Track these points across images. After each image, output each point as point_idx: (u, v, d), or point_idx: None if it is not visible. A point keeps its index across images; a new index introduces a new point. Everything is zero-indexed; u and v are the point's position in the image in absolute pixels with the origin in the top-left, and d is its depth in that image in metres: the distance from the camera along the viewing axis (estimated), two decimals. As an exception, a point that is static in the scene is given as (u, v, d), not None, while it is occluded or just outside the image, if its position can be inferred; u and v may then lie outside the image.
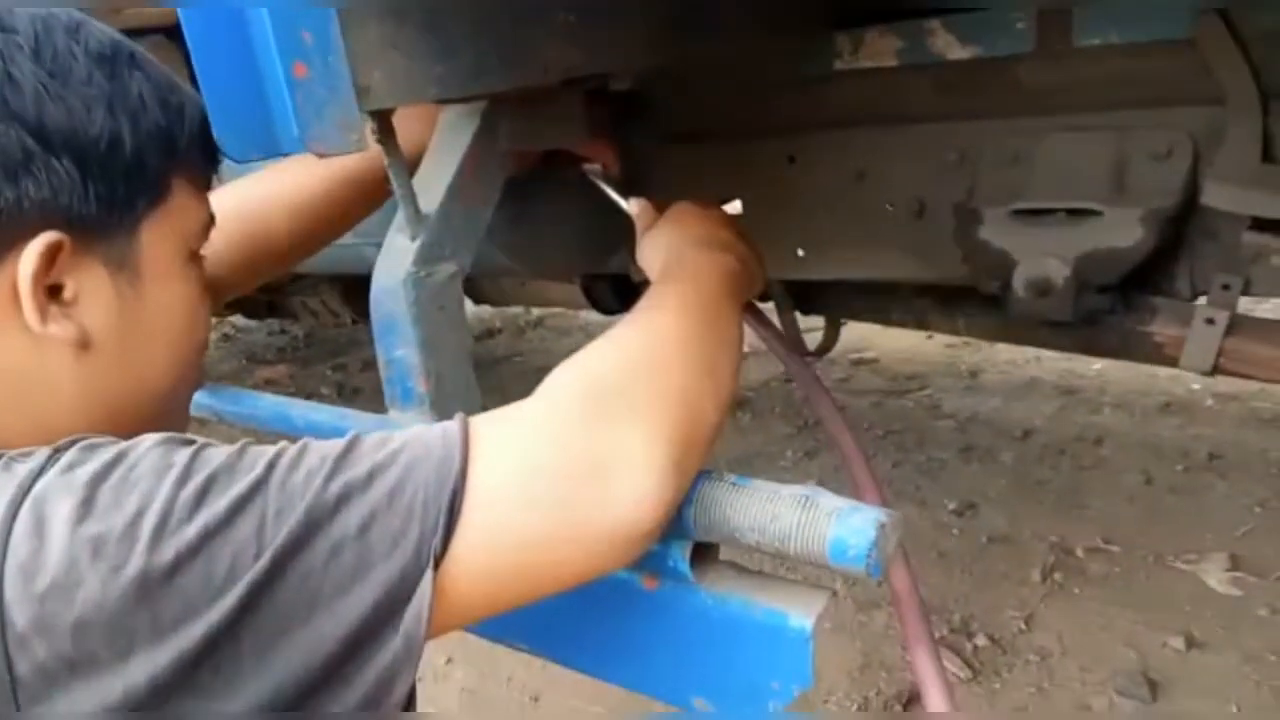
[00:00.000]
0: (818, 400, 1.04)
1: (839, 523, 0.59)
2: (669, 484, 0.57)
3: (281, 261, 0.99)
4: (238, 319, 3.94)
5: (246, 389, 0.98)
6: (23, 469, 0.51)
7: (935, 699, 0.75)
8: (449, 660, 2.02)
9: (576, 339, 3.84)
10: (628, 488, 0.56)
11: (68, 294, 0.59)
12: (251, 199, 0.95)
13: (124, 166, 0.60)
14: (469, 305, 3.55)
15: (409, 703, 0.54)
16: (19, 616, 0.46)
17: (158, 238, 0.64)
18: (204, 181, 0.69)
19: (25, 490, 0.49)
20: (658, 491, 0.56)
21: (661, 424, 0.58)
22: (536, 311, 4.15)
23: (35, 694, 0.45)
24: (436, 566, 0.52)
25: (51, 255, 0.57)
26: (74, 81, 0.59)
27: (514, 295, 2.63)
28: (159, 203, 0.64)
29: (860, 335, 3.37)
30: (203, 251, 0.71)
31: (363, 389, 3.56)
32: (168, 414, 0.68)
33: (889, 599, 2.01)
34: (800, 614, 0.65)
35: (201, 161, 0.68)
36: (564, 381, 0.61)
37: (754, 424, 2.96)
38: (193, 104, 0.66)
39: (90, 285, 0.60)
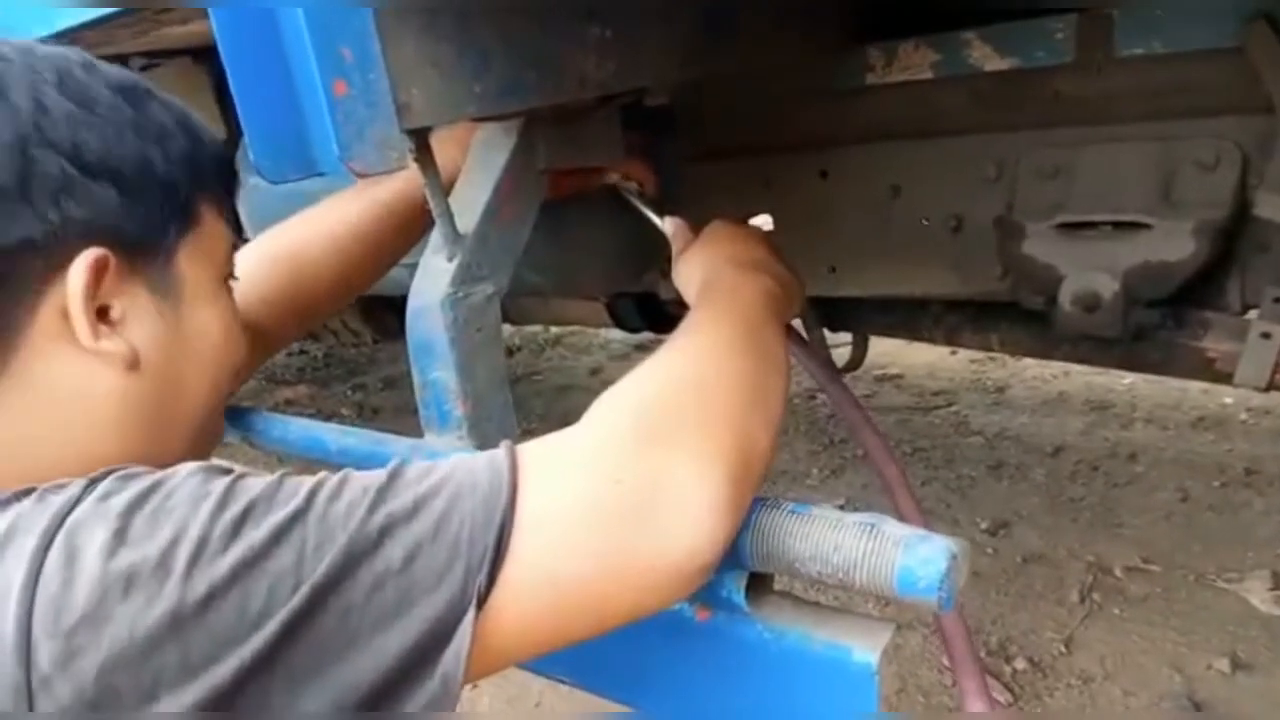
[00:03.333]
0: (857, 424, 1.01)
1: (907, 552, 0.56)
2: (724, 518, 0.55)
3: (329, 304, 1.00)
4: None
5: (277, 414, 0.96)
6: (58, 500, 0.49)
7: None
8: (475, 685, 1.99)
9: (596, 357, 3.82)
10: (682, 523, 0.53)
11: (115, 314, 0.61)
12: (295, 242, 0.96)
13: (157, 189, 0.63)
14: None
15: None
16: (44, 656, 0.44)
17: (192, 262, 0.66)
18: (227, 209, 0.71)
19: (60, 520, 0.48)
20: (712, 526, 0.54)
21: (714, 454, 0.56)
22: (554, 330, 4.13)
23: None
24: (481, 604, 0.49)
25: (99, 271, 0.59)
26: (101, 109, 0.61)
27: (535, 313, 2.61)
28: (191, 227, 0.66)
29: (883, 351, 3.33)
30: (233, 284, 0.72)
31: (382, 409, 3.54)
32: (202, 436, 0.69)
33: (923, 621, 1.97)
34: (864, 648, 0.62)
35: (223, 188, 0.70)
36: (613, 410, 0.59)
37: (778, 442, 2.93)
38: (209, 134, 0.69)
39: (135, 307, 0.62)
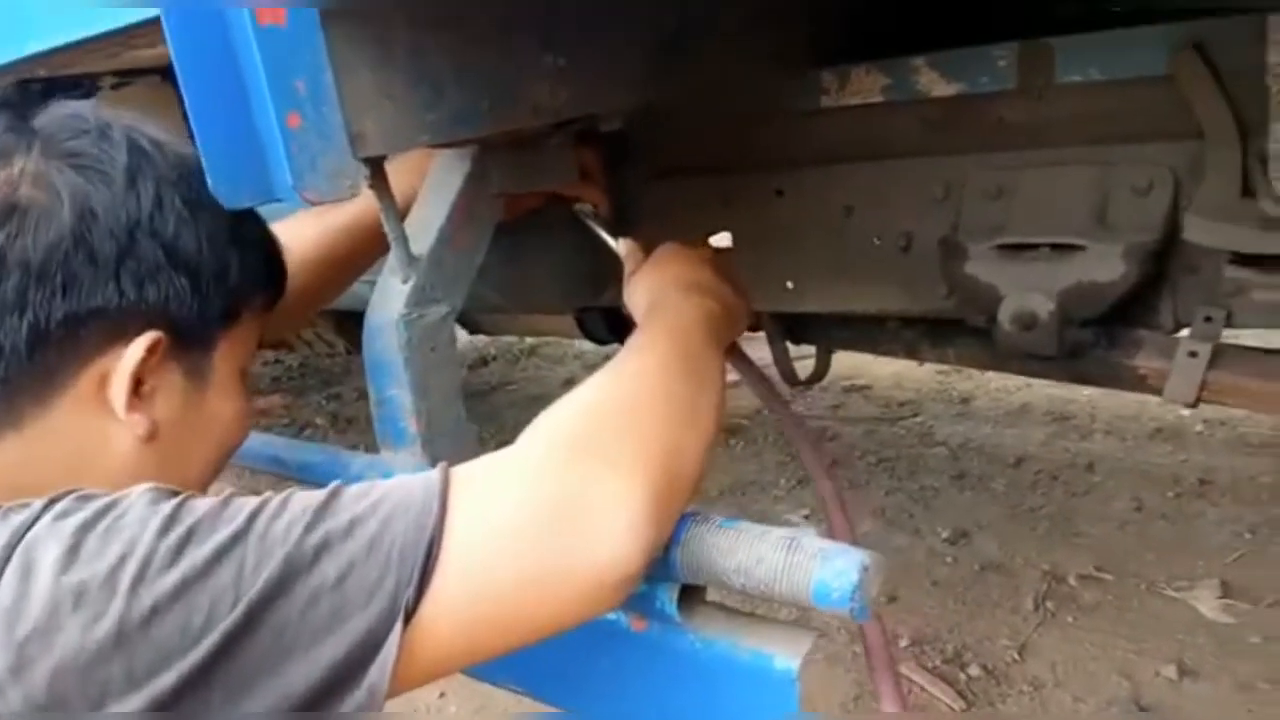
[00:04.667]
0: (798, 439, 1.05)
1: (823, 565, 0.60)
2: (645, 533, 0.58)
3: (292, 320, 1.04)
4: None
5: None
6: (18, 518, 0.52)
7: None
8: (442, 695, 2.01)
9: (570, 367, 3.85)
10: (603, 539, 0.56)
11: (146, 389, 0.66)
12: None
13: (225, 292, 0.70)
14: (463, 335, 3.58)
15: None
16: None
17: (226, 354, 0.72)
18: (266, 310, 0.78)
19: (19, 537, 0.50)
20: (633, 542, 0.57)
21: (640, 472, 0.59)
22: (530, 340, 4.16)
23: None
24: (409, 618, 0.52)
25: (152, 351, 0.65)
26: (205, 214, 0.69)
27: (508, 325, 2.64)
28: (233, 324, 0.73)
29: (852, 363, 3.38)
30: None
31: (357, 419, 3.55)
32: None
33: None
34: (786, 655, 0.65)
35: (267, 294, 0.78)
36: (545, 430, 0.62)
37: (747, 452, 2.97)
38: (280, 245, 0.79)
39: (166, 386, 0.68)
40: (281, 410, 3.77)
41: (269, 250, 0.77)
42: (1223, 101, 0.98)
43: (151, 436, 0.66)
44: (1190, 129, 1.01)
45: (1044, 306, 1.08)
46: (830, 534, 0.93)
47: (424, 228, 0.83)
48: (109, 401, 0.64)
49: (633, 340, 0.74)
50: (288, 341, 3.03)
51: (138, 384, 0.65)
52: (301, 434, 3.51)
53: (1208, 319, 1.08)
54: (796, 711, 0.64)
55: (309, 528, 0.52)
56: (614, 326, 1.81)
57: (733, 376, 1.11)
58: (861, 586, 0.59)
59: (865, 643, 0.79)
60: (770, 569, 0.61)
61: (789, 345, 1.70)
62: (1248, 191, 0.98)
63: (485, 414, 3.45)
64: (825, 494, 0.97)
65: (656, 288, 0.85)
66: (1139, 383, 1.14)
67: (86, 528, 0.51)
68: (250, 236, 0.74)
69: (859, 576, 0.59)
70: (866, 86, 1.19)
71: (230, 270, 0.70)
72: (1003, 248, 1.12)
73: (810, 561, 0.60)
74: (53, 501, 0.53)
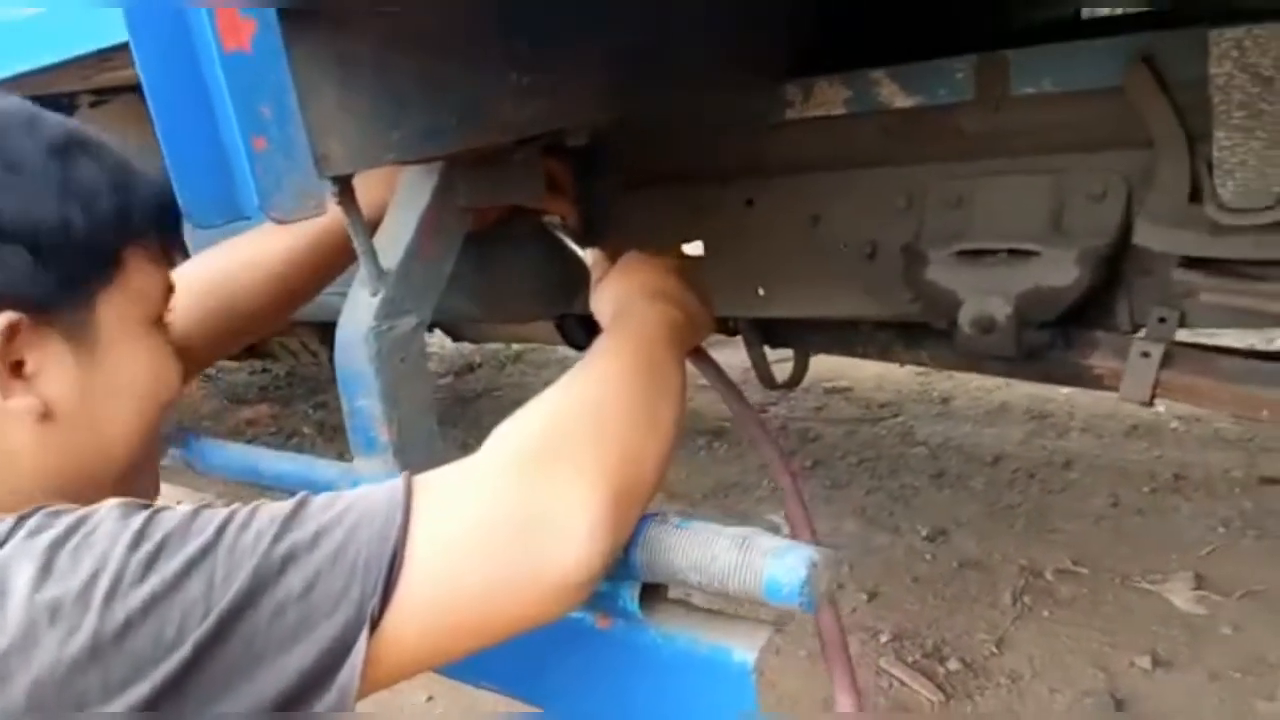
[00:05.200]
0: (758, 437, 1.07)
1: (773, 561, 0.62)
2: (604, 538, 0.60)
3: (256, 327, 1.03)
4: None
5: (216, 440, 1.00)
6: None
7: None
8: (430, 698, 2.03)
9: (554, 372, 3.86)
10: (562, 543, 0.58)
11: (29, 368, 0.62)
12: (222, 268, 0.99)
13: (76, 249, 0.64)
14: (449, 342, 3.59)
15: None
16: None
17: (115, 309, 0.67)
18: (162, 252, 0.72)
19: None
20: (592, 546, 0.59)
21: (600, 478, 0.61)
22: (516, 347, 4.18)
23: None
24: (375, 625, 0.54)
25: (9, 335, 0.60)
26: (27, 171, 0.62)
27: (492, 333, 2.66)
28: (114, 277, 0.67)
29: (833, 365, 3.41)
30: (168, 317, 0.74)
31: (343, 427, 3.55)
32: (135, 473, 0.71)
33: (861, 626, 2.04)
34: (743, 649, 0.68)
35: (159, 235, 0.71)
36: (506, 438, 0.64)
37: (730, 454, 3.00)
38: (149, 184, 0.69)
39: (51, 359, 0.63)
40: (269, 419, 3.78)
41: (128, 188, 0.68)
42: (1171, 112, 1.01)
43: (46, 416, 0.63)
44: (1141, 138, 1.04)
45: (1001, 310, 1.11)
46: (790, 531, 0.96)
47: (392, 241, 0.85)
48: None
49: (596, 347, 0.76)
50: (273, 352, 3.04)
51: (18, 365, 0.62)
52: (289, 442, 3.52)
53: (1161, 320, 1.12)
54: (754, 701, 0.67)
55: (276, 539, 0.54)
56: (593, 332, 1.83)
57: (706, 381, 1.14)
58: (811, 581, 0.61)
59: (821, 636, 0.82)
60: (724, 566, 0.64)
61: (767, 350, 1.74)
62: (1196, 198, 1.01)
63: (471, 420, 3.47)
64: (786, 489, 1.00)
65: (621, 295, 0.87)
66: (1097, 382, 1.18)
67: (58, 545, 0.53)
68: (94, 184, 0.65)
69: (807, 571, 0.61)
70: (830, 99, 1.22)
71: (73, 227, 0.63)
72: (962, 254, 1.15)
73: (761, 558, 0.63)
74: (23, 519, 0.54)
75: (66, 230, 0.63)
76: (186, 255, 0.75)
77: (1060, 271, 1.08)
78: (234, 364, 4.19)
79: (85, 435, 0.66)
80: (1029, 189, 1.13)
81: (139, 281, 0.69)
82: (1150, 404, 1.11)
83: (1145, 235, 1.05)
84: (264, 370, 4.38)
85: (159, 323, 0.72)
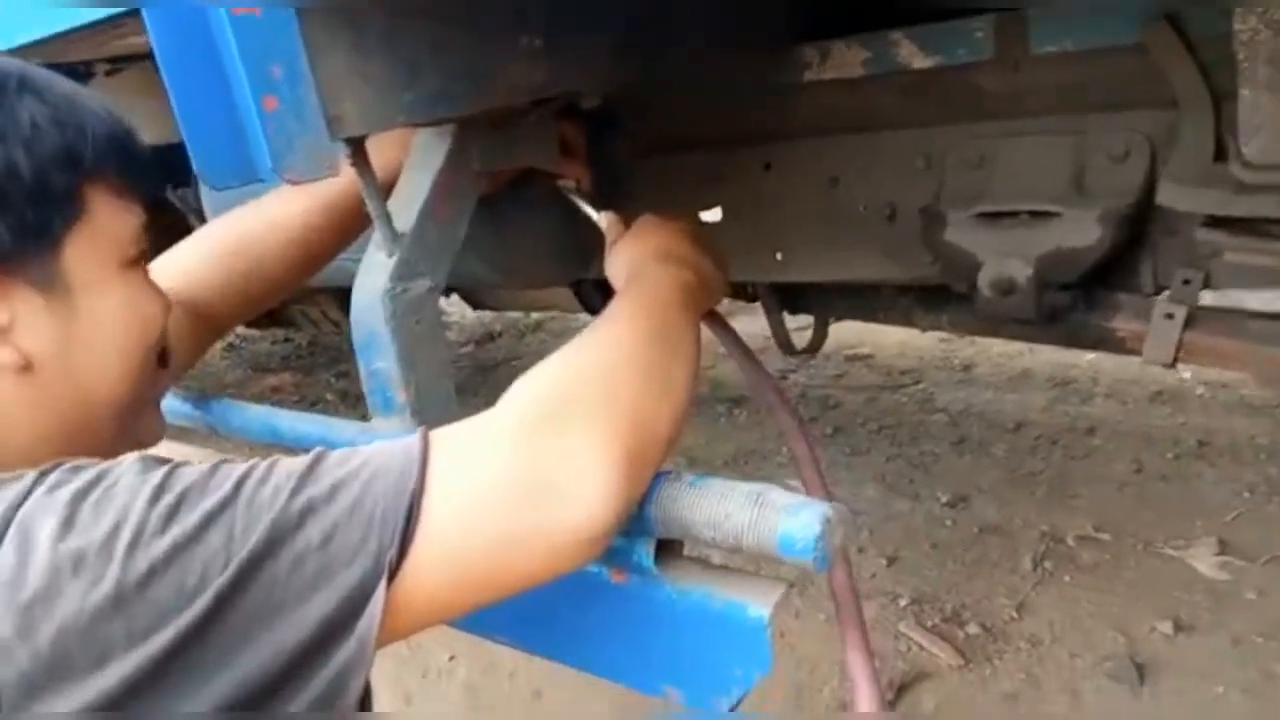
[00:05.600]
0: (773, 401, 1.08)
1: (788, 517, 0.63)
2: (617, 494, 0.60)
3: (275, 290, 1.03)
4: (241, 329, 3.99)
5: (236, 401, 1.02)
6: (10, 491, 0.54)
7: (865, 694, 0.78)
8: (452, 658, 2.06)
9: (576, 341, 3.88)
10: (575, 498, 0.59)
11: (2, 321, 0.61)
12: (240, 232, 0.99)
13: (26, 193, 0.61)
14: (469, 311, 3.60)
15: (364, 702, 0.57)
16: (4, 627, 0.49)
17: (84, 253, 0.65)
18: (128, 189, 0.69)
19: (14, 509, 0.53)
20: (605, 498, 0.60)
21: (610, 434, 0.62)
22: (536, 315, 4.19)
23: (18, 701, 0.49)
24: (392, 576, 0.55)
25: None
26: None
27: (512, 300, 2.67)
28: (77, 219, 0.65)
29: (855, 332, 3.40)
30: (175, 272, 0.73)
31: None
32: (132, 416, 0.71)
33: (880, 591, 2.05)
34: (758, 604, 0.69)
35: (118, 171, 0.68)
36: (519, 395, 0.65)
37: (750, 421, 3.00)
38: (96, 117, 0.67)
39: (23, 309, 0.62)
40: (292, 387, 3.83)
41: (73, 124, 0.64)
42: (1195, 70, 0.99)
43: (26, 367, 0.62)
44: (1165, 97, 1.03)
45: (1022, 272, 1.10)
46: (805, 492, 0.96)
47: (406, 204, 0.86)
48: None
49: (610, 309, 0.77)
50: (295, 321, 3.07)
51: None
52: (312, 410, 3.56)
53: (1185, 281, 1.10)
54: (769, 656, 0.68)
55: (294, 493, 0.55)
56: (609, 297, 1.83)
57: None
58: (824, 537, 0.62)
59: (833, 595, 0.82)
60: (738, 522, 0.64)
61: (787, 317, 1.73)
62: (1220, 156, 1.00)
63: (492, 388, 3.49)
64: (799, 453, 1.00)
65: (635, 259, 0.87)
66: (1119, 345, 1.16)
67: (80, 498, 0.53)
68: (33, 123, 0.62)
69: (821, 527, 0.62)
70: (848, 60, 1.21)
71: (19, 170, 0.60)
72: (982, 215, 1.14)
73: (776, 515, 0.63)
74: (44, 474, 0.55)
75: (12, 174, 0.60)
76: (152, 189, 0.71)
77: (1082, 232, 1.07)
78: (257, 333, 4.24)
79: (71, 383, 0.65)
80: (1050, 149, 1.12)
81: (106, 222, 0.67)
82: (1173, 366, 1.10)
83: (1169, 195, 1.04)
84: (286, 340, 4.42)
85: (136, 262, 0.70)
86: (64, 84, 0.67)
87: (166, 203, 1.84)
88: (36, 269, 0.63)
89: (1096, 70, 1.07)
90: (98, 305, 0.66)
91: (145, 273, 0.72)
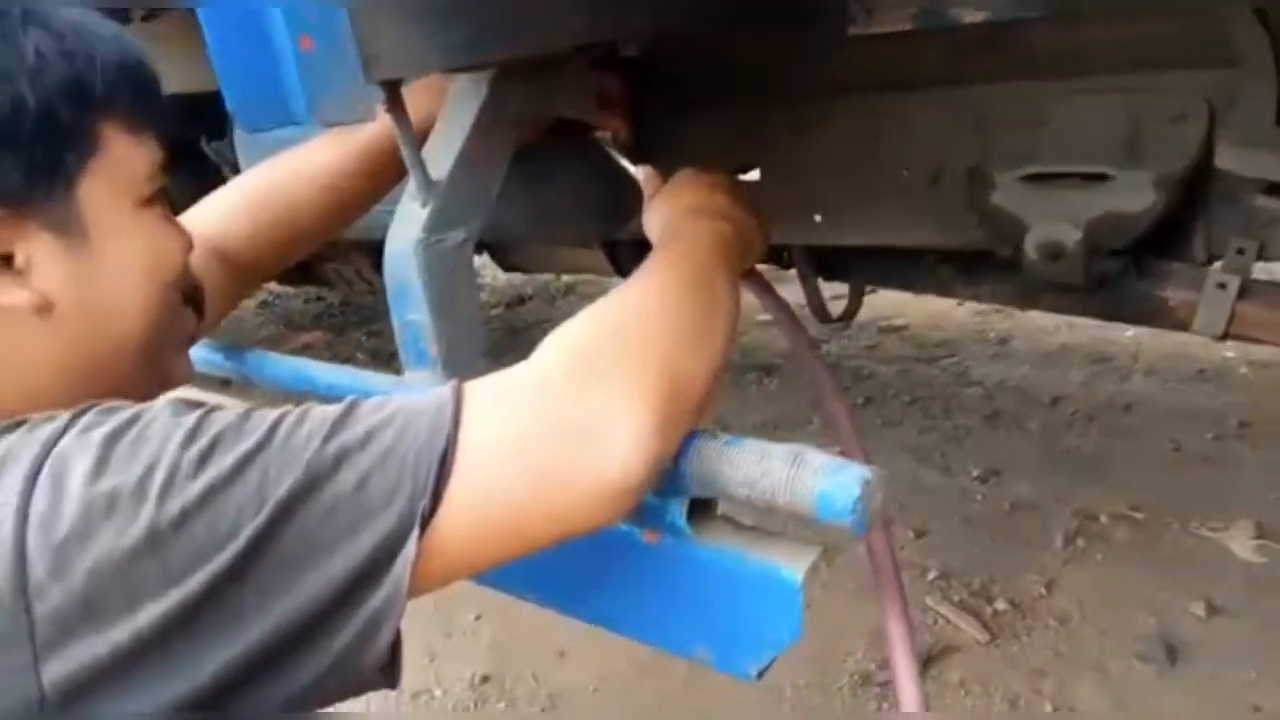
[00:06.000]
0: (813, 365, 1.06)
1: (826, 478, 0.61)
2: (649, 443, 0.59)
3: (308, 239, 1.02)
4: (275, 286, 4.02)
5: (270, 352, 1.01)
6: (45, 431, 0.54)
7: (905, 674, 0.77)
8: (478, 617, 2.08)
9: (606, 306, 3.86)
10: (609, 446, 0.58)
11: (19, 262, 0.60)
12: (272, 181, 0.98)
13: (35, 128, 0.59)
14: (500, 274, 3.59)
15: (395, 650, 0.56)
16: (39, 565, 0.49)
17: (100, 192, 0.63)
18: (141, 124, 0.66)
19: (48, 450, 0.52)
20: (638, 450, 0.58)
21: (644, 384, 0.60)
22: (566, 278, 4.18)
23: (51, 640, 0.48)
24: (425, 523, 0.54)
25: None
26: None
27: (543, 262, 2.66)
28: (91, 156, 0.62)
29: (891, 303, 3.36)
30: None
31: (398, 354, 3.61)
32: (156, 355, 0.69)
33: (908, 564, 2.03)
34: (791, 567, 0.67)
35: (131, 103, 0.65)
36: (553, 346, 0.63)
37: (781, 389, 2.98)
38: (105, 45, 0.63)
39: (39, 250, 0.61)
40: (324, 345, 3.85)
41: (82, 54, 0.61)
42: (1260, 29, 0.95)
43: (46, 309, 0.61)
44: (1225, 56, 0.99)
45: (1071, 236, 1.07)
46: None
47: (441, 152, 0.84)
48: None
49: (647, 263, 0.75)
50: (328, 278, 3.07)
51: (8, 259, 0.59)
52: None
53: (1240, 250, 1.06)
54: (800, 619, 0.66)
55: (327, 438, 0.54)
56: (644, 259, 1.81)
57: (767, 316, 1.11)
58: (863, 499, 0.60)
59: (872, 561, 0.81)
60: (774, 482, 0.63)
61: (822, 283, 1.70)
62: (1282, 119, 0.96)
63: (522, 351, 3.48)
64: (838, 417, 0.98)
65: (672, 213, 0.85)
66: (1168, 315, 1.13)
67: (114, 439, 0.53)
68: (39, 54, 0.59)
69: (860, 490, 0.60)
70: (896, 14, 1.17)
71: (25, 104, 0.58)
72: (1031, 178, 1.11)
73: (813, 475, 0.61)
74: (77, 415, 0.55)
75: (19, 110, 0.58)
76: (168, 122, 0.68)
77: (1135, 196, 1.03)
78: (291, 290, 4.26)
79: (91, 324, 0.64)
80: (1103, 109, 1.08)
81: (121, 157, 0.64)
82: (1225, 338, 1.06)
83: (1227, 158, 1.00)
84: (319, 298, 4.45)
85: (153, 199, 0.68)
86: (70, 11, 0.64)
87: (200, 152, 1.84)
88: (51, 209, 0.61)
89: (1153, 28, 1.03)
90: (115, 247, 0.64)
91: (163, 209, 0.70)
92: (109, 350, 0.66)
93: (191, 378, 0.76)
